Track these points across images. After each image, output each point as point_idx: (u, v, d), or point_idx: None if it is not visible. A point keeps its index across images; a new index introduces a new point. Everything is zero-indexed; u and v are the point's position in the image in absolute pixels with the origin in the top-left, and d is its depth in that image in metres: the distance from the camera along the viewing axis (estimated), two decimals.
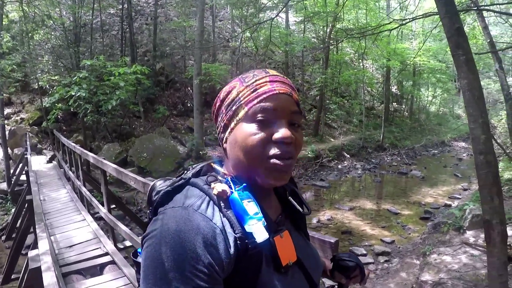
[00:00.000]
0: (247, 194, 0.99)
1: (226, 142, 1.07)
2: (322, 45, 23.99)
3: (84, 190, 8.76)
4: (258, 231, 0.93)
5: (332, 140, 23.48)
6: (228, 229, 0.93)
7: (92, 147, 18.06)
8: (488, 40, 8.63)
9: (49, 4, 18.00)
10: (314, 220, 12.06)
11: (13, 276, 8.38)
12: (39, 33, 19.45)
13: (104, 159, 7.45)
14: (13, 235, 10.83)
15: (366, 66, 29.26)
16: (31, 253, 3.36)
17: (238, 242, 0.92)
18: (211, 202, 0.97)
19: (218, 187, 0.98)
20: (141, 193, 11.15)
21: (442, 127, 33.24)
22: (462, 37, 3.58)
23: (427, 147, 27.04)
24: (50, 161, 16.33)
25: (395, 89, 34.17)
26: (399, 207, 13.28)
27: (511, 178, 12.62)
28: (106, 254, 5.95)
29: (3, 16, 15.89)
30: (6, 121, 17.33)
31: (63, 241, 6.81)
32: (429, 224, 11.08)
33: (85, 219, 7.98)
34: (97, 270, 5.70)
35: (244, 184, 1.02)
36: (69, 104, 15.95)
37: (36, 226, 4.19)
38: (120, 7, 24.18)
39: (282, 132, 0.99)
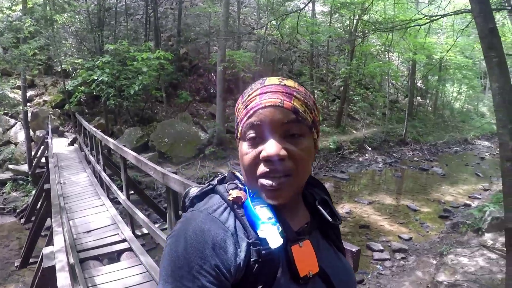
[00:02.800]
0: (260, 200, 0.99)
1: None
2: (348, 36, 23.72)
3: (104, 175, 8.79)
4: (272, 236, 0.91)
5: (354, 132, 23.27)
6: (241, 234, 0.94)
7: (114, 131, 18.22)
8: None
9: None
10: None
11: (31, 260, 8.42)
12: (63, 16, 19.41)
13: (125, 145, 7.49)
14: (33, 218, 10.92)
15: (392, 59, 28.87)
16: (46, 250, 3.28)
17: (251, 247, 0.92)
18: (228, 208, 0.98)
19: (233, 194, 0.99)
20: None
21: (465, 125, 32.59)
22: (495, 38, 3.47)
23: (450, 144, 26.63)
24: (71, 143, 16.37)
25: (420, 83, 33.70)
26: (418, 204, 13.20)
27: None
28: (124, 240, 5.95)
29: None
30: (28, 104, 17.42)
31: (81, 225, 6.82)
32: (447, 223, 10.99)
33: (104, 204, 7.96)
34: (115, 257, 5.72)
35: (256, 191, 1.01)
36: (92, 87, 16.05)
37: (53, 219, 4.06)
38: None
39: (267, 150, 0.94)
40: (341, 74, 24.13)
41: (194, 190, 1.13)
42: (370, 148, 21.48)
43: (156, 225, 8.18)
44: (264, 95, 0.98)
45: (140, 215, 5.74)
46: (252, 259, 0.91)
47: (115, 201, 8.78)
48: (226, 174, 1.13)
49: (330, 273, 1.03)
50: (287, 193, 0.98)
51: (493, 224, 8.88)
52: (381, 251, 9.23)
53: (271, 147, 0.94)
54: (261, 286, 0.91)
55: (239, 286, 0.91)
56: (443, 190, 15.32)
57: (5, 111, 16.53)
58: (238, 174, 1.11)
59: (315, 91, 24.36)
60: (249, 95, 1.01)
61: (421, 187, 15.95)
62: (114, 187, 7.66)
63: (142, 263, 5.11)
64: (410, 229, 10.90)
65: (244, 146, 0.99)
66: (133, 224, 6.81)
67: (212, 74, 22.39)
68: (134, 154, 6.13)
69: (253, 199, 0.99)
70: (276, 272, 0.93)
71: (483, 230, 8.92)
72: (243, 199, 0.99)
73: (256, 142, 0.97)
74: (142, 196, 9.83)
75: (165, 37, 24.55)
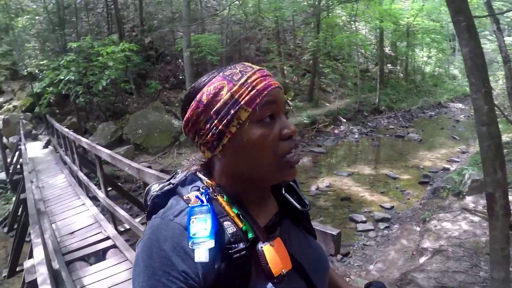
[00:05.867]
0: (202, 209, 0.93)
1: (222, 149, 0.98)
2: (313, 10, 23.55)
3: (81, 175, 8.84)
4: (198, 252, 0.87)
5: (328, 104, 23.19)
6: None
7: (87, 128, 18.04)
8: (485, 0, 8.31)
9: None
10: (313, 188, 12.04)
11: (18, 269, 8.40)
12: (21, 20, 19.02)
13: (99, 142, 7.42)
14: (15, 226, 10.82)
15: (359, 28, 28.84)
16: (27, 263, 3.41)
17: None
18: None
19: (191, 197, 0.97)
20: None
21: (438, 88, 32.58)
22: (463, 2, 3.42)
23: (424, 109, 26.68)
24: (46, 146, 16.30)
25: (389, 50, 33.73)
26: (398, 172, 13.25)
27: (509, 141, 12.55)
28: (108, 238, 6.07)
29: None
30: None
31: (64, 228, 6.88)
32: (428, 189, 11.03)
33: (84, 204, 8.03)
34: (100, 255, 5.84)
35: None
36: (60, 88, 15.82)
37: (31, 231, 4.13)
38: None
39: (290, 127, 0.98)
40: (309, 48, 24.03)
41: (156, 188, 1.11)
42: (344, 120, 21.46)
43: (138, 219, 8.28)
44: (267, 78, 0.99)
45: (121, 212, 5.84)
46: (222, 263, 0.90)
47: (95, 199, 8.75)
48: (186, 175, 1.09)
49: (303, 261, 1.04)
50: None
51: (473, 186, 8.85)
52: (364, 222, 9.27)
53: (291, 124, 0.99)
54: None
55: None
56: (421, 156, 15.40)
57: None
58: (200, 175, 1.07)
59: (284, 67, 24.27)
60: (248, 77, 0.97)
61: (399, 155, 16.02)
62: (92, 186, 7.74)
63: (127, 259, 5.23)
64: (391, 198, 10.94)
65: (261, 129, 0.95)
66: (115, 221, 6.90)
67: (180, 60, 22.14)
68: (108, 151, 6.17)
69: (191, 208, 0.93)
70: (250, 274, 0.93)
71: (464, 193, 8.91)
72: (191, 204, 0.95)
73: (272, 123, 0.97)
74: (121, 191, 9.73)
75: (128, 28, 24.15)
